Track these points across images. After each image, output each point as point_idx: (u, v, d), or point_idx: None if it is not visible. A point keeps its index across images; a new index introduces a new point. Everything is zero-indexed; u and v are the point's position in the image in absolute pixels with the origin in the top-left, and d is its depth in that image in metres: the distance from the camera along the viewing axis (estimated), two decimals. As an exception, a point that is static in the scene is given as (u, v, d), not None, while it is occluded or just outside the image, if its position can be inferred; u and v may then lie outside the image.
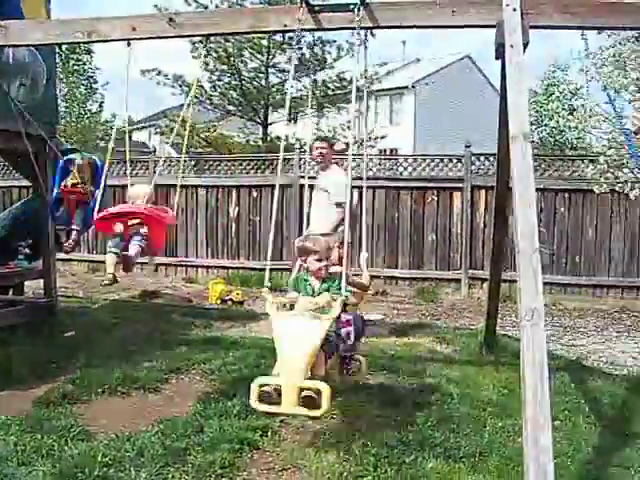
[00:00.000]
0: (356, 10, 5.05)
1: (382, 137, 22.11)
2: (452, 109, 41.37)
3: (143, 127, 52.21)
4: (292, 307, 4.70)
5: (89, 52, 25.49)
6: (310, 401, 3.86)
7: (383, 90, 35.52)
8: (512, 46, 4.79)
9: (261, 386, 4.05)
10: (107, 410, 5.44)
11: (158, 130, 19.03)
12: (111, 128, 31.09)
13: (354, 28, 5.08)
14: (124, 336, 7.92)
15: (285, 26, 5.37)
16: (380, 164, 13.33)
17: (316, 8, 5.29)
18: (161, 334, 8.13)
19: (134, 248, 5.88)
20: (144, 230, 5.83)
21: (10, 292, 8.66)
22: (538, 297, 3.64)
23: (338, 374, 5.00)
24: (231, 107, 19.90)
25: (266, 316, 8.29)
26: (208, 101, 19.63)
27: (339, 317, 4.47)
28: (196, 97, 19.10)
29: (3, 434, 4.69)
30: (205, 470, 4.21)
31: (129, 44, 5.57)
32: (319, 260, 4.77)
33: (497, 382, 6.31)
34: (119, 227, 5.80)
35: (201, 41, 7.07)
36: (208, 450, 4.47)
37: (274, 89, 19.35)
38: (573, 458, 4.59)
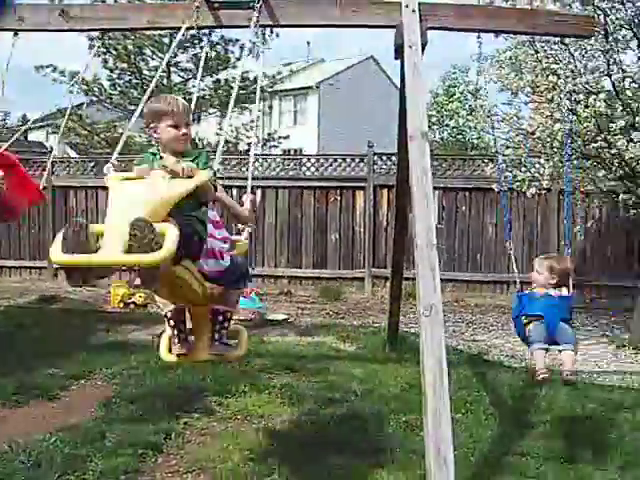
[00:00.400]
0: (256, 7, 5.03)
1: (285, 137, 22.14)
2: (356, 109, 41.80)
3: (40, 126, 50.83)
4: None
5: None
6: (146, 241, 2.78)
7: (287, 90, 35.67)
8: (411, 47, 4.85)
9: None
10: (3, 420, 5.26)
11: (55, 130, 18.43)
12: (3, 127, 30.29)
13: (253, 26, 5.06)
14: (21, 343, 7.66)
15: (184, 22, 5.31)
16: (284, 164, 13.33)
17: (215, 5, 5.24)
18: (61, 340, 7.90)
19: None
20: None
21: None
22: (436, 293, 3.69)
23: (208, 343, 3.97)
24: (132, 107, 19.51)
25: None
26: (108, 100, 19.20)
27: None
28: (95, 96, 18.74)
29: None
30: (107, 476, 4.11)
31: (16, 34, 5.34)
32: (175, 126, 3.54)
33: (400, 378, 6.40)
34: None
35: (98, 37, 6.87)
36: (110, 456, 4.37)
37: (176, 88, 19.08)
38: (473, 449, 4.69)
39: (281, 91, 32.00)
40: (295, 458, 4.43)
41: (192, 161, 3.38)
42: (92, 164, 14.09)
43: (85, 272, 2.97)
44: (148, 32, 15.71)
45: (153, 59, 18.71)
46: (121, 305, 10.55)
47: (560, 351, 4.75)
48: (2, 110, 30.43)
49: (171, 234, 2.83)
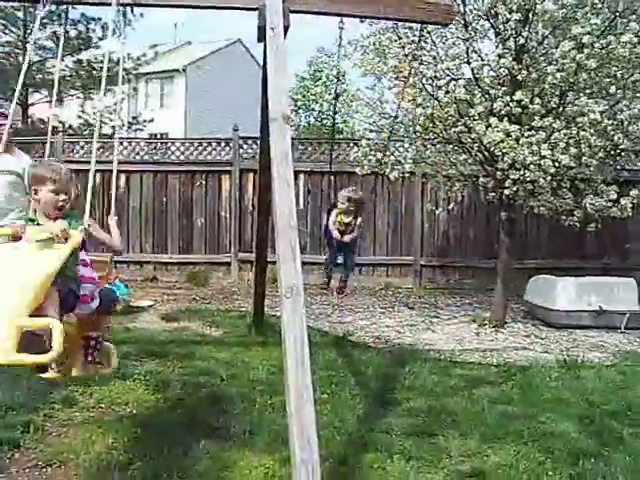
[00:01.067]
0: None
1: (150, 120, 21.73)
2: (223, 93, 41.49)
3: None
4: (16, 239, 3.49)
5: None
6: (35, 343, 2.87)
7: (153, 73, 34.99)
8: (273, 29, 4.86)
9: None
10: None
11: None
12: None
13: (109, 4, 4.93)
14: None
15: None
16: (149, 148, 13.05)
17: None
18: None
19: None
20: None
21: None
22: (297, 274, 3.74)
23: (81, 364, 4.05)
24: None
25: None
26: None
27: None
28: None
29: None
30: (-42, 475, 3.95)
31: None
32: (56, 192, 3.62)
33: (266, 361, 6.45)
34: None
35: None
36: (-40, 453, 4.19)
37: (34, 68, 18.32)
38: (339, 428, 4.79)
39: (147, 73, 31.36)
40: (160, 445, 4.37)
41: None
42: None
43: None
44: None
45: (5, 34, 17.88)
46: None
47: None
48: None
49: (57, 334, 2.79)
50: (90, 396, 5.34)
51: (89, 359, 4.04)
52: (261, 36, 5.19)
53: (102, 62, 18.26)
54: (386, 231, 12.35)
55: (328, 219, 6.63)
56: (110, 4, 4.86)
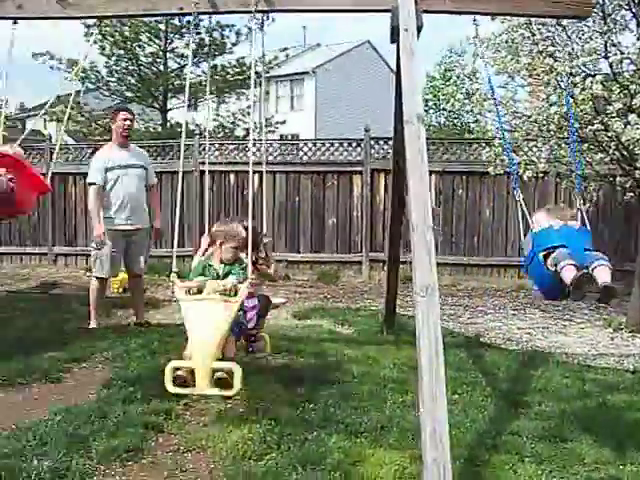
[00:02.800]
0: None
1: (282, 122, 22.16)
2: (352, 94, 41.80)
3: (35, 115, 50.76)
4: (200, 291, 4.65)
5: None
6: (223, 382, 4.23)
7: (284, 76, 35.63)
8: (406, 30, 4.90)
9: (175, 369, 4.27)
10: (7, 402, 5.33)
11: (54, 117, 18.49)
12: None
13: (250, 12, 5.11)
14: (23, 328, 7.72)
15: (181, 9, 5.34)
16: (281, 149, 13.34)
17: (212, -9, 5.28)
18: (62, 324, 7.98)
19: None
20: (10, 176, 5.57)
21: None
22: (432, 273, 3.76)
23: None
24: (129, 93, 19.55)
25: (168, 303, 8.29)
26: (105, 87, 19.23)
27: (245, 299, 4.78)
28: (92, 83, 18.74)
29: None
30: (110, 455, 4.19)
31: (15, 22, 5.41)
32: (235, 248, 5.02)
33: (397, 360, 6.48)
34: None
35: (96, 24, 6.90)
36: (112, 435, 4.44)
37: (172, 74, 19.13)
38: (469, 429, 4.77)
39: (278, 76, 31.97)
40: (294, 438, 4.50)
41: (231, 268, 4.98)
42: (90, 151, 14.10)
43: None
44: (145, 19, 15.71)
45: (149, 45, 18.74)
46: (120, 291, 10.60)
47: (593, 269, 4.33)
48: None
49: (238, 375, 4.17)
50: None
51: (249, 350, 5.37)
52: (394, 37, 5.23)
53: (235, 67, 18.96)
54: (517, 231, 12.11)
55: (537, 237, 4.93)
56: (250, 12, 5.05)
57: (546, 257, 4.62)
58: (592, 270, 4.34)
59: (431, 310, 3.65)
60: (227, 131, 19.65)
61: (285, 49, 21.17)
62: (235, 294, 4.52)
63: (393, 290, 7.32)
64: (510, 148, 7.87)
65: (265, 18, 5.50)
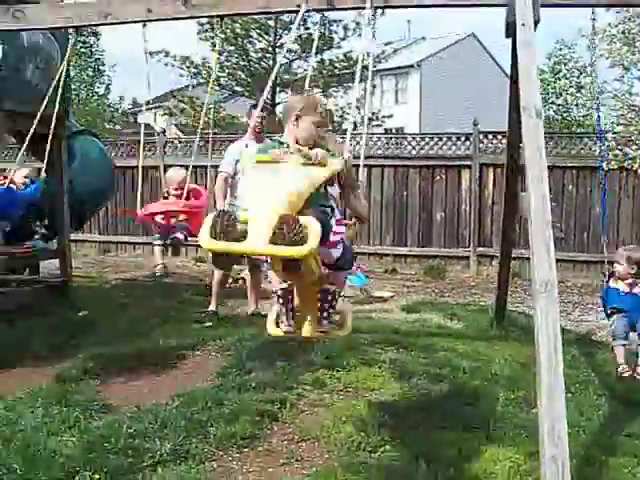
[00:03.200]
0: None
1: (389, 116, 22.17)
2: (457, 87, 41.34)
3: (148, 109, 52.22)
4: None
5: (95, 34, 25.50)
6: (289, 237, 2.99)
7: (388, 69, 35.52)
8: (523, 24, 4.85)
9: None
10: (127, 385, 5.58)
11: (166, 111, 19.16)
12: (116, 110, 31.36)
13: (364, 8, 5.15)
14: (138, 314, 8.01)
15: (298, 6, 5.43)
16: (388, 143, 13.33)
17: (329, -13, 5.36)
18: (175, 312, 8.23)
19: (180, 235, 6.93)
20: (185, 223, 6.90)
21: (26, 272, 8.79)
22: (551, 269, 3.72)
23: (315, 321, 4.12)
24: (239, 88, 19.98)
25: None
26: (216, 82, 19.73)
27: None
28: (204, 78, 19.29)
29: (30, 406, 4.83)
30: (227, 441, 4.33)
31: (144, 25, 5.66)
32: (317, 125, 3.80)
33: (508, 356, 6.39)
34: (161, 220, 6.94)
35: (216, 22, 7.13)
36: (229, 422, 4.57)
37: (281, 69, 19.41)
38: (585, 427, 4.70)
39: (382, 70, 31.86)
40: (406, 431, 4.54)
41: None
42: (201, 144, 14.43)
43: (231, 257, 3.18)
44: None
45: (259, 41, 19.13)
46: (230, 281, 10.82)
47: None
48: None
49: (315, 229, 3.02)
50: (338, 380, 5.61)
51: (324, 315, 4.10)
52: (510, 31, 5.20)
53: (342, 61, 19.09)
54: (630, 227, 11.78)
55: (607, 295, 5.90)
56: (364, 7, 5.10)
57: (611, 314, 5.74)
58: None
59: (550, 306, 3.62)
60: (335, 125, 19.80)
61: (389, 43, 21.11)
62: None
63: (504, 285, 7.24)
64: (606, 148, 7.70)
65: (381, 13, 5.53)
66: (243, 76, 19.52)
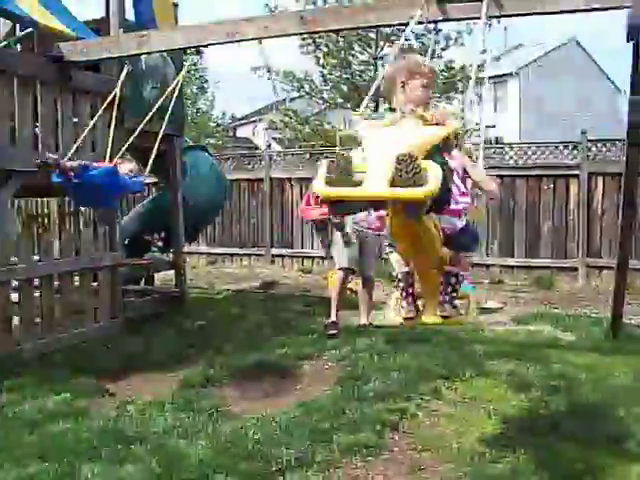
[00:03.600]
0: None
1: (492, 126, 22.02)
2: (558, 94, 40.65)
3: (246, 123, 53.33)
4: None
5: (198, 52, 26.12)
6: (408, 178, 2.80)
7: (487, 78, 35.19)
8: (651, 26, 4.79)
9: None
10: (247, 393, 5.75)
11: (271, 125, 19.65)
12: (218, 125, 32.14)
13: (479, 18, 5.18)
14: (252, 324, 8.24)
15: (411, 18, 5.50)
16: (494, 152, 13.21)
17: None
18: (287, 322, 8.39)
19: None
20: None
21: (142, 282, 9.14)
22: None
23: (437, 305, 4.13)
24: (341, 100, 20.23)
25: (382, 305, 8.34)
26: (319, 96, 20.14)
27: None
28: (306, 92, 19.65)
29: (160, 410, 5.07)
30: (350, 449, 4.41)
31: (260, 42, 5.85)
32: (426, 86, 3.63)
33: (627, 369, 6.26)
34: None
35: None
36: (351, 430, 4.66)
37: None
38: None
39: (481, 78, 31.70)
40: (528, 443, 4.50)
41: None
42: (307, 157, 14.70)
43: (348, 205, 3.16)
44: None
45: (362, 54, 19.32)
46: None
47: None
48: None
49: (435, 170, 2.87)
50: (455, 391, 5.64)
51: (446, 299, 4.06)
52: (631, 35, 5.12)
53: (443, 71, 19.05)
54: None
55: None
56: (478, 18, 5.13)
57: None
58: None
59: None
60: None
61: (484, 51, 20.94)
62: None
63: (621, 296, 7.10)
64: None
65: (497, 22, 5.54)
66: (345, 89, 19.73)
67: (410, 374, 5.95)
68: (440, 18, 5.52)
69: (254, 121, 51.63)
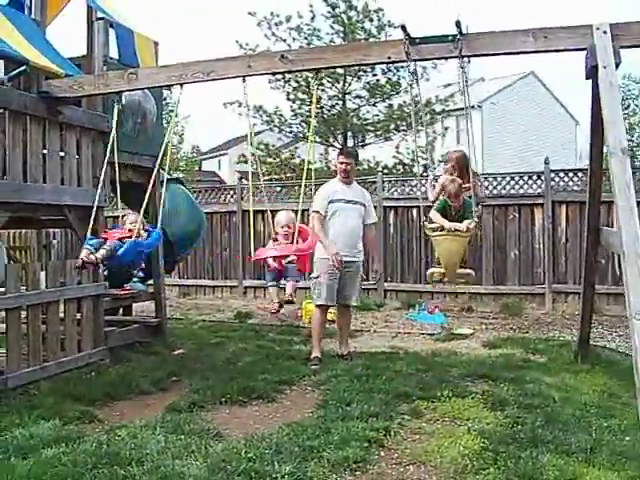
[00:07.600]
0: (456, 41, 5.52)
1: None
2: (518, 126, 41.52)
3: (211, 157, 53.59)
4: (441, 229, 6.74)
5: (168, 87, 26.41)
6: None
7: (451, 110, 35.85)
8: (605, 67, 5.17)
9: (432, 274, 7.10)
10: (233, 416, 5.93)
11: (242, 159, 20.04)
12: (190, 159, 32.29)
13: (455, 57, 5.52)
14: (231, 352, 8.45)
15: (389, 58, 5.82)
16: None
17: (417, 40, 5.74)
18: (266, 350, 8.60)
19: (292, 285, 7.71)
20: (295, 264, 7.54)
21: (119, 312, 9.27)
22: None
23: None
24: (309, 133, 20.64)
25: (360, 333, 8.58)
26: (288, 129, 20.51)
27: None
28: (276, 126, 20.03)
29: (151, 433, 5.21)
30: (340, 464, 4.61)
31: (244, 80, 6.12)
32: (457, 196, 7.01)
33: (596, 387, 6.59)
34: (274, 263, 7.63)
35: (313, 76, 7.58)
36: (339, 447, 4.85)
37: (351, 115, 19.94)
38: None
39: (444, 111, 32.28)
40: (508, 455, 4.73)
41: (462, 207, 6.96)
42: (278, 189, 14.95)
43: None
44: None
45: (330, 89, 19.76)
46: (307, 321, 11.02)
47: None
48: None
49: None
50: (434, 410, 5.89)
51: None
52: (589, 74, 5.49)
53: (410, 106, 19.52)
54: None
55: None
56: (456, 57, 5.47)
57: None
58: None
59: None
60: (407, 168, 20.12)
61: (448, 85, 21.45)
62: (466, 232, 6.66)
63: (588, 318, 7.42)
64: None
65: (467, 62, 5.89)
66: (315, 123, 20.14)
67: (390, 396, 6.20)
68: (417, 58, 5.84)
69: (220, 155, 51.98)
